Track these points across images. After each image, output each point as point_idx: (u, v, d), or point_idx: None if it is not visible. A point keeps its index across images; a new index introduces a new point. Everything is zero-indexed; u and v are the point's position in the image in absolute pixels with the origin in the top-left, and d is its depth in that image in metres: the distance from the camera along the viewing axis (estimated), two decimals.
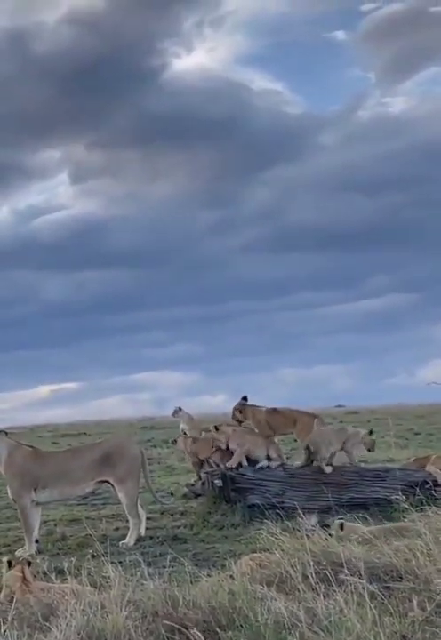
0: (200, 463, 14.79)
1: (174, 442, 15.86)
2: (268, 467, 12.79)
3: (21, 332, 52.92)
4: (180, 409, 19.61)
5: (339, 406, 41.19)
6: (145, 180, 57.76)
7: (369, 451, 12.94)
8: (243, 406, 13.54)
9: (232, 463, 12.70)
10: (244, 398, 13.72)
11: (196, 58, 60.54)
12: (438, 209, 53.84)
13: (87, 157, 55.64)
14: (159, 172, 55.97)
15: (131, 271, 55.82)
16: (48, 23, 51.61)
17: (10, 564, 7.89)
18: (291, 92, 67.76)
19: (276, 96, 57.74)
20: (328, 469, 12.62)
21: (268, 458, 12.89)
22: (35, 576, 7.84)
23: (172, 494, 15.16)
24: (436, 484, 12.40)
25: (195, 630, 5.69)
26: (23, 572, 7.62)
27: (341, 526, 8.86)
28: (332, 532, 8.30)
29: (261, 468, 12.75)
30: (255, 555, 7.89)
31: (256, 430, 13.42)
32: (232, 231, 57.06)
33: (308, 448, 12.85)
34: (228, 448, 12.99)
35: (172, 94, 52.02)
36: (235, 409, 13.60)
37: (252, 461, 12.93)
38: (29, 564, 7.87)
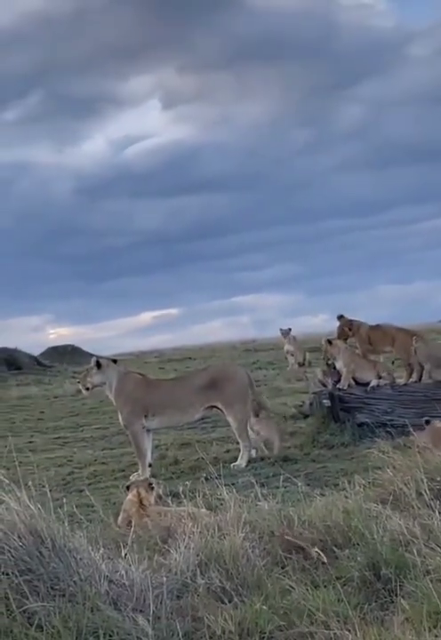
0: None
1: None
2: (377, 385, 12.68)
3: (120, 260, 53.76)
4: (289, 330, 19.63)
5: None
6: (236, 103, 57.13)
7: None
8: (350, 323, 13.39)
9: (343, 385, 12.64)
10: (340, 317, 13.57)
11: None
12: None
13: (178, 82, 55.27)
14: (249, 94, 55.34)
15: (225, 195, 55.78)
16: None
17: (128, 488, 8.10)
18: (382, 4, 65.60)
19: (367, 9, 56.06)
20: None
21: (379, 377, 12.75)
22: (160, 497, 7.98)
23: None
24: None
25: (315, 549, 5.75)
26: (139, 497, 7.79)
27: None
28: None
29: (373, 388, 12.65)
30: None
31: (358, 346, 13.30)
32: (325, 149, 56.16)
33: (410, 365, 12.73)
34: (334, 367, 12.91)
35: (261, 14, 50.98)
36: (342, 326, 13.44)
37: (358, 383, 12.83)
38: (152, 487, 8.01)
